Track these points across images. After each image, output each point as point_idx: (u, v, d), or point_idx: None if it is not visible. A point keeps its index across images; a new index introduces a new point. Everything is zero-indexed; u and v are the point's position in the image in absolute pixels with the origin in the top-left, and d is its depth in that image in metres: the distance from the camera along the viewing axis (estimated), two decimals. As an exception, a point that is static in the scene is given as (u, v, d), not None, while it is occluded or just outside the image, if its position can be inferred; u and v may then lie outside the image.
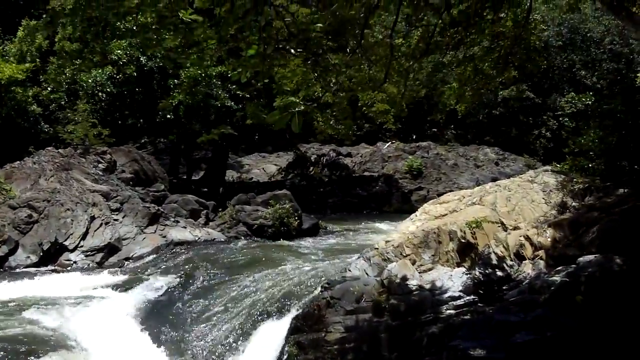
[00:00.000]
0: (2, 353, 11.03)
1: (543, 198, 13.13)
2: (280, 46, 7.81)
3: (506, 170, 41.93)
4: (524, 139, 48.15)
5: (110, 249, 21.27)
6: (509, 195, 13.45)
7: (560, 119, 45.46)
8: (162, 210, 24.68)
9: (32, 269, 19.54)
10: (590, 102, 30.77)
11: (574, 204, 12.30)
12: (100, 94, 32.44)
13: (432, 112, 45.57)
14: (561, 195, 12.87)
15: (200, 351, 13.55)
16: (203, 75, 29.26)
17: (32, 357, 11.18)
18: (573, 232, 11.07)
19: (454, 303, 10.71)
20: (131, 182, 27.27)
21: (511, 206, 13.01)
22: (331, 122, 13.05)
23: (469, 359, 8.15)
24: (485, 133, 51.00)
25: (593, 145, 13.12)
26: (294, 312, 13.10)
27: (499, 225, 12.48)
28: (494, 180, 24.26)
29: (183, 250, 21.61)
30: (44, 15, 7.83)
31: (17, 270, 19.35)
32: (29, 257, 20.01)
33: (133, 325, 14.57)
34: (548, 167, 15.40)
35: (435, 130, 53.08)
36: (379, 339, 10.86)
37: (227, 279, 17.00)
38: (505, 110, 47.04)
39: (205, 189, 37.73)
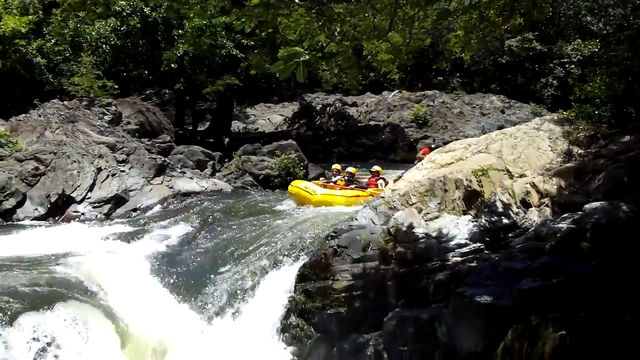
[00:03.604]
0: (17, 303, 11.11)
1: (549, 146, 13.11)
2: (284, -5, 7.73)
3: (512, 118, 41.87)
4: (530, 86, 47.92)
5: (118, 200, 21.39)
6: (515, 143, 13.43)
7: (567, 66, 45.19)
8: (168, 161, 24.77)
9: (40, 221, 19.68)
10: (596, 49, 30.45)
11: (580, 151, 12.27)
12: (104, 46, 32.34)
13: (438, 61, 45.28)
14: (567, 142, 12.84)
15: (210, 299, 13.67)
16: (208, 25, 29.08)
17: (46, 307, 11.26)
18: (579, 179, 11.06)
19: (460, 250, 10.76)
20: (137, 134, 27.35)
21: (517, 154, 12.99)
22: (336, 72, 12.99)
23: (476, 306, 8.20)
24: (491, 81, 50.80)
25: (599, 92, 13.04)
26: (301, 261, 13.18)
27: (505, 173, 12.47)
28: (500, 128, 24.24)
29: (190, 201, 21.74)
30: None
31: (25, 222, 19.50)
32: (36, 209, 20.13)
33: (144, 274, 14.67)
34: (554, 115, 15.35)
35: (441, 78, 52.81)
36: (386, 287, 10.93)
37: (234, 228, 17.08)
38: (511, 58, 46.72)
39: (211, 140, 37.83)
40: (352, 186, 20.48)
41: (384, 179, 21.11)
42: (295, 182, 21.28)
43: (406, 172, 18.85)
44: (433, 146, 20.68)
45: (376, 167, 21.96)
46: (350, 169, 21.85)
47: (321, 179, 22.96)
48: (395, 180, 19.59)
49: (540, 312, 7.05)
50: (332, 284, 11.73)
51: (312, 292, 11.98)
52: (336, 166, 23.11)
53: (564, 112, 14.38)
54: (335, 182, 21.23)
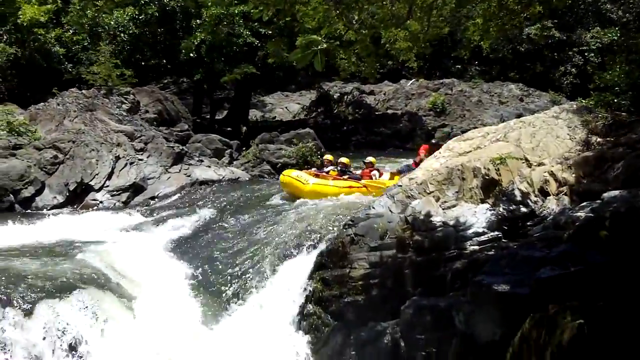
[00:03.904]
0: (36, 291, 11.17)
1: (568, 134, 13.02)
2: (302, -17, 7.73)
3: (531, 107, 41.64)
4: (549, 75, 47.70)
5: (136, 188, 21.54)
6: (534, 131, 13.34)
7: (586, 54, 44.93)
8: (186, 149, 24.89)
9: (59, 209, 19.83)
10: (616, 37, 30.28)
11: (599, 139, 12.19)
12: (122, 35, 32.47)
13: (456, 49, 45.12)
14: (586, 131, 12.75)
15: (228, 285, 13.73)
16: (225, 13, 29.13)
17: (64, 295, 11.32)
18: (598, 167, 11.00)
19: (478, 239, 10.71)
20: (155, 122, 27.45)
21: (535, 142, 12.91)
22: (354, 60, 12.99)
23: (494, 294, 8.18)
24: (510, 69, 50.56)
25: (619, 81, 12.99)
26: (318, 249, 13.19)
27: (523, 161, 12.40)
28: (519, 116, 24.06)
29: (208, 189, 21.82)
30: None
31: (44, 210, 19.67)
32: (55, 197, 20.30)
33: (162, 262, 14.77)
34: (573, 103, 15.25)
35: (459, 66, 52.59)
36: (403, 275, 10.92)
37: (251, 216, 17.13)
38: (530, 46, 46.50)
39: (229, 129, 37.89)
40: (345, 177, 20.22)
41: (378, 170, 20.88)
42: (287, 171, 20.75)
43: (403, 167, 18.82)
44: (433, 141, 20.19)
45: (370, 158, 21.55)
46: (344, 159, 21.41)
47: (313, 168, 22.63)
48: (392, 174, 19.55)
49: (558, 301, 7.02)
50: (349, 272, 11.73)
51: (329, 280, 11.98)
52: (328, 156, 22.79)
53: (583, 101, 14.31)
54: (327, 172, 20.76)
